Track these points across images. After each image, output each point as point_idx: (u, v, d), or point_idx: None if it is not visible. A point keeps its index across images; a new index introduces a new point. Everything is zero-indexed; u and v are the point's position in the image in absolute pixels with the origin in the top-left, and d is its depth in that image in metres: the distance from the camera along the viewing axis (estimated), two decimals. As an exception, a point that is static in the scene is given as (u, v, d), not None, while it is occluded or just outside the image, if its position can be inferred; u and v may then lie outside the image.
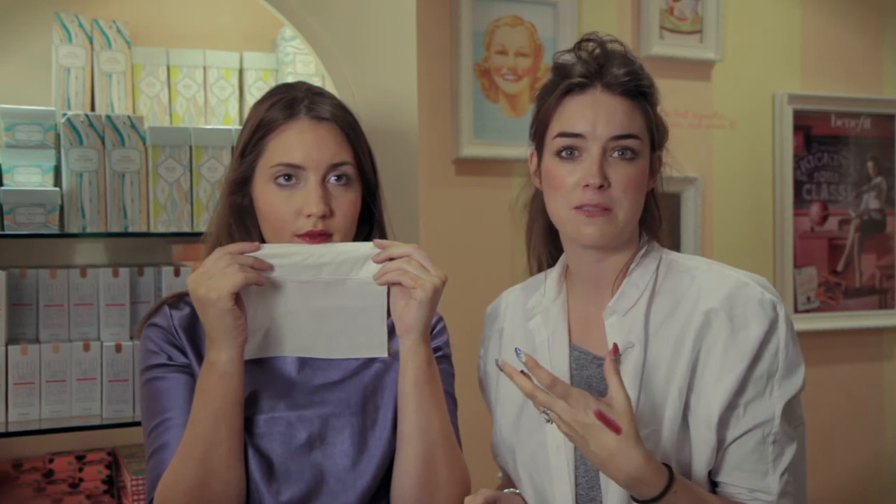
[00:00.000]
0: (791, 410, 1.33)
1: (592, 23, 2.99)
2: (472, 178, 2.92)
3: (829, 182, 3.52)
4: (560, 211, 1.39)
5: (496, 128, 2.93)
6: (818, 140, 3.50)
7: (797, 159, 3.46)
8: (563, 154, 1.38)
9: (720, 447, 1.32)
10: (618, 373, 1.26)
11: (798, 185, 3.46)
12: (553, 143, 1.40)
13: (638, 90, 1.39)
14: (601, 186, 1.34)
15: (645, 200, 1.43)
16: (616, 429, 1.21)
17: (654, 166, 1.44)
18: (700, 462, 1.32)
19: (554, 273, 1.52)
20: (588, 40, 1.43)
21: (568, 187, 1.36)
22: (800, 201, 3.47)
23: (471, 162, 2.91)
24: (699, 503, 1.27)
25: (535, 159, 1.48)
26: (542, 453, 1.42)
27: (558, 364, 1.42)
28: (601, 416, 1.21)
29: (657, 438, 1.32)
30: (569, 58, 1.42)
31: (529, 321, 1.51)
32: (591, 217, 1.36)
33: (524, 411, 1.47)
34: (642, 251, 1.43)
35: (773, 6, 3.44)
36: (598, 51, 1.41)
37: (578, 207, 1.36)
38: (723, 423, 1.31)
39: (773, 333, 1.31)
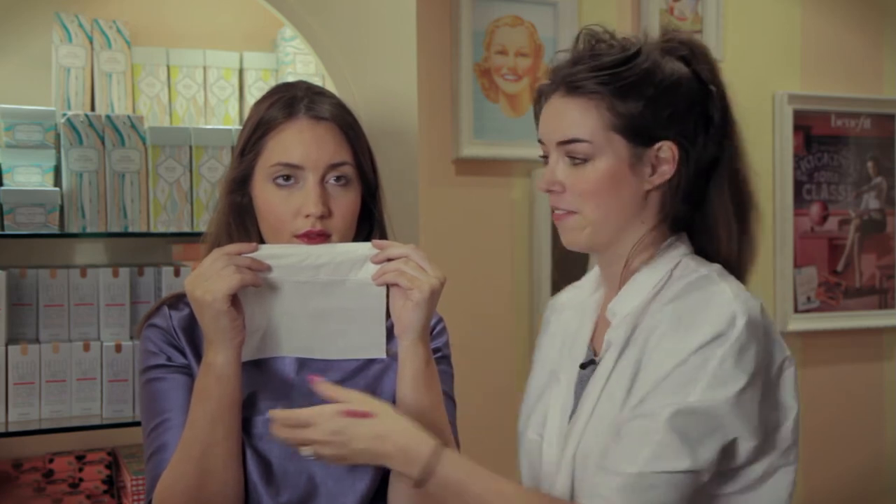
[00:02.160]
0: (688, 427, 1.19)
1: (592, 23, 2.98)
2: (472, 178, 2.92)
3: (829, 182, 3.52)
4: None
5: (496, 128, 2.93)
6: (818, 140, 3.49)
7: (797, 159, 3.46)
8: (543, 161, 1.39)
9: None
10: (335, 388, 1.29)
11: (798, 185, 3.46)
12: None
13: (601, 82, 1.30)
14: (554, 191, 1.33)
15: (668, 198, 1.34)
16: (366, 415, 1.24)
17: (646, 161, 1.32)
18: None
19: (594, 269, 1.50)
20: (582, 35, 1.38)
21: (543, 190, 1.38)
22: (800, 201, 3.47)
23: (471, 162, 2.91)
24: (483, 482, 1.23)
25: None
26: (537, 448, 1.43)
27: (574, 363, 1.42)
28: (350, 413, 1.24)
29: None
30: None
31: (562, 314, 1.52)
32: (559, 221, 1.36)
33: (536, 408, 1.47)
34: (658, 254, 1.35)
35: (773, 6, 3.43)
36: (582, 47, 1.36)
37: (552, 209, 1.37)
38: None
39: (709, 345, 1.20)
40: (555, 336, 1.50)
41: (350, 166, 1.44)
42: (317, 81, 2.22)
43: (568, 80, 1.32)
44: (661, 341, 1.23)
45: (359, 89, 2.24)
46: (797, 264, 3.46)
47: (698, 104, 1.33)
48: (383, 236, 1.51)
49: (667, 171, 1.32)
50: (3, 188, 2.12)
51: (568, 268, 2.98)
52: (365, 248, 1.39)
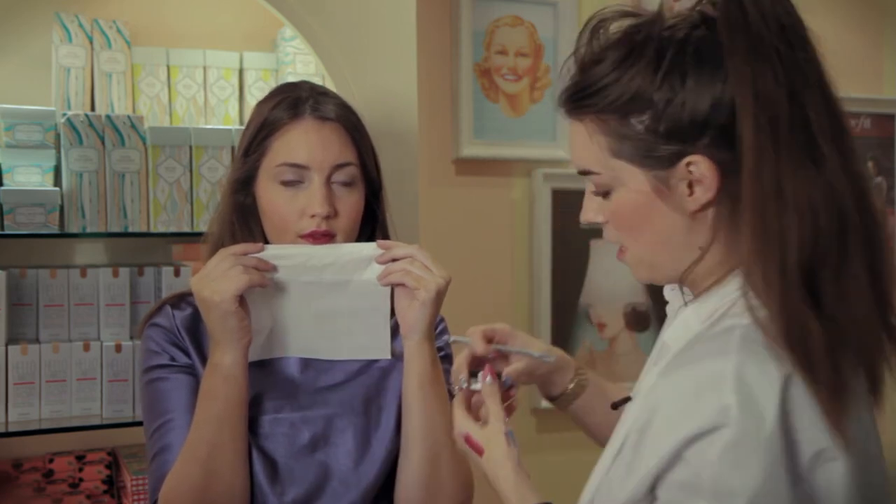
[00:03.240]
0: None
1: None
2: (472, 178, 2.92)
3: (829, 182, 3.51)
4: None
5: (496, 128, 2.93)
6: (818, 140, 3.48)
7: (797, 159, 3.45)
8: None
9: None
10: (494, 398, 1.21)
11: (797, 185, 3.45)
12: None
13: (594, 102, 1.05)
14: (599, 222, 1.11)
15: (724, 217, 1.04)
16: (477, 450, 1.19)
17: (676, 183, 1.03)
18: None
19: None
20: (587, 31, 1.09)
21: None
22: (799, 201, 3.46)
23: (471, 162, 2.91)
24: None
25: None
26: None
27: (651, 366, 1.21)
28: (467, 440, 1.20)
29: None
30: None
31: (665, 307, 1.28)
32: (619, 260, 1.13)
33: None
34: (719, 283, 1.06)
35: (772, 6, 3.43)
36: (584, 48, 1.09)
37: None
38: None
39: (701, 440, 0.95)
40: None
41: (355, 167, 1.44)
42: (317, 81, 2.22)
43: (564, 100, 1.09)
44: (651, 426, 1.00)
45: (359, 89, 2.24)
46: (796, 264, 3.45)
47: (727, 93, 0.99)
48: (385, 237, 1.52)
49: (706, 191, 1.02)
50: (3, 188, 2.12)
51: (568, 268, 2.99)
52: (370, 248, 1.40)
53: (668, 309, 1.28)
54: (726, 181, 1.01)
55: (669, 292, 1.26)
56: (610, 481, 1.06)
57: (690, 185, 1.02)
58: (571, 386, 1.38)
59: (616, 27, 1.07)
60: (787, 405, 0.95)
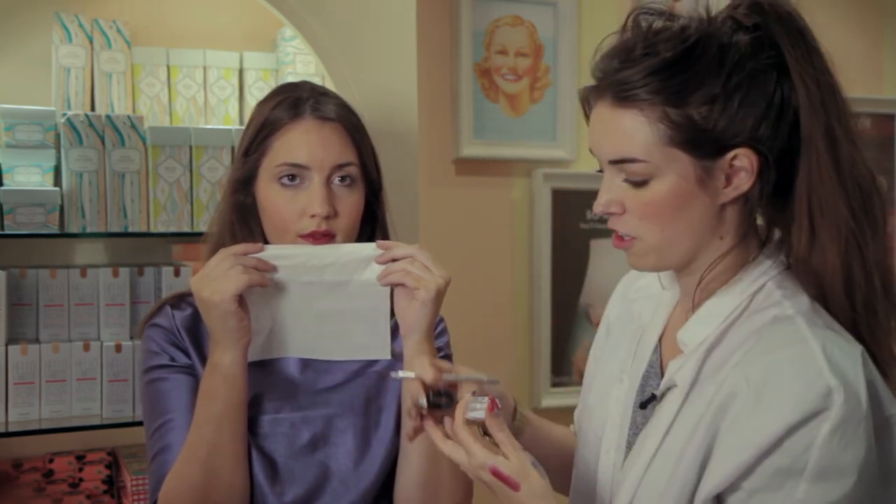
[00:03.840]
0: None
1: (592, 23, 2.98)
2: (472, 178, 2.92)
3: (829, 182, 3.50)
4: None
5: (496, 128, 2.93)
6: (818, 140, 3.48)
7: (797, 159, 3.44)
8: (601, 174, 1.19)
9: None
10: (505, 430, 1.15)
11: (797, 185, 3.44)
12: None
13: (653, 90, 1.09)
14: (612, 213, 1.15)
15: (750, 212, 1.15)
16: (511, 485, 1.12)
17: (717, 174, 1.10)
18: None
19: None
20: (632, 20, 1.15)
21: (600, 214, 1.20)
22: (799, 201, 3.45)
23: (471, 162, 2.91)
24: None
25: None
26: (594, 449, 1.30)
27: (642, 356, 1.27)
28: (497, 474, 1.12)
29: None
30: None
31: (633, 303, 1.36)
32: (618, 246, 1.18)
33: (591, 400, 1.34)
34: (738, 275, 1.16)
35: (772, 6, 3.42)
36: (632, 36, 1.14)
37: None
38: None
39: (804, 426, 1.01)
40: (629, 321, 1.35)
41: (355, 166, 1.44)
42: (317, 81, 2.22)
43: (614, 87, 1.11)
44: (739, 416, 1.05)
45: (359, 89, 2.24)
46: (796, 264, 3.44)
47: (777, 93, 1.10)
48: (385, 237, 1.52)
49: (743, 183, 1.11)
50: (3, 188, 2.12)
51: (568, 268, 2.98)
52: (370, 248, 1.40)
53: (626, 306, 1.37)
54: (762, 175, 1.10)
55: (635, 291, 1.36)
56: (662, 481, 1.11)
57: (728, 178, 1.11)
58: (515, 423, 1.37)
59: (652, 24, 1.14)
60: (868, 378, 1.04)
